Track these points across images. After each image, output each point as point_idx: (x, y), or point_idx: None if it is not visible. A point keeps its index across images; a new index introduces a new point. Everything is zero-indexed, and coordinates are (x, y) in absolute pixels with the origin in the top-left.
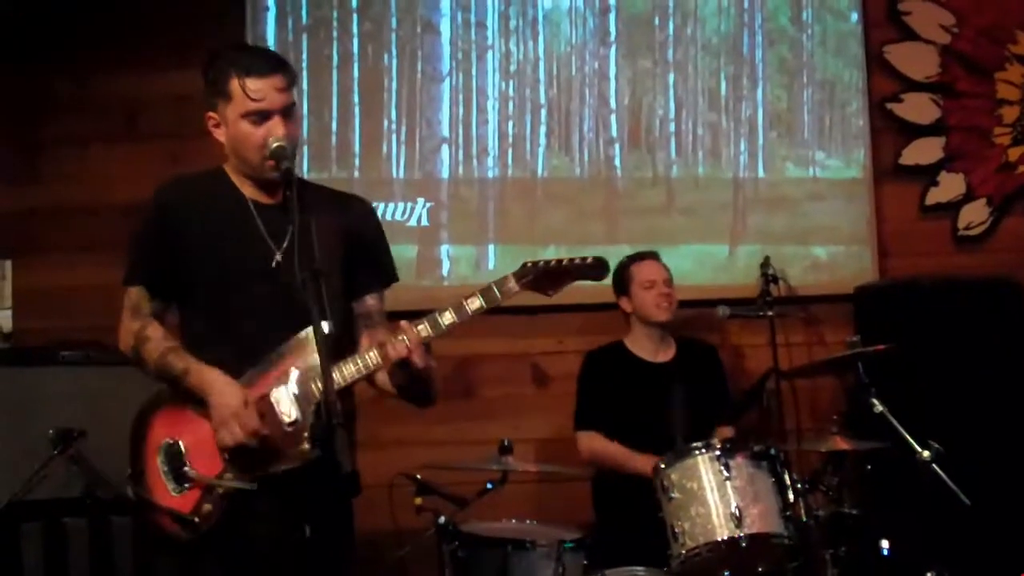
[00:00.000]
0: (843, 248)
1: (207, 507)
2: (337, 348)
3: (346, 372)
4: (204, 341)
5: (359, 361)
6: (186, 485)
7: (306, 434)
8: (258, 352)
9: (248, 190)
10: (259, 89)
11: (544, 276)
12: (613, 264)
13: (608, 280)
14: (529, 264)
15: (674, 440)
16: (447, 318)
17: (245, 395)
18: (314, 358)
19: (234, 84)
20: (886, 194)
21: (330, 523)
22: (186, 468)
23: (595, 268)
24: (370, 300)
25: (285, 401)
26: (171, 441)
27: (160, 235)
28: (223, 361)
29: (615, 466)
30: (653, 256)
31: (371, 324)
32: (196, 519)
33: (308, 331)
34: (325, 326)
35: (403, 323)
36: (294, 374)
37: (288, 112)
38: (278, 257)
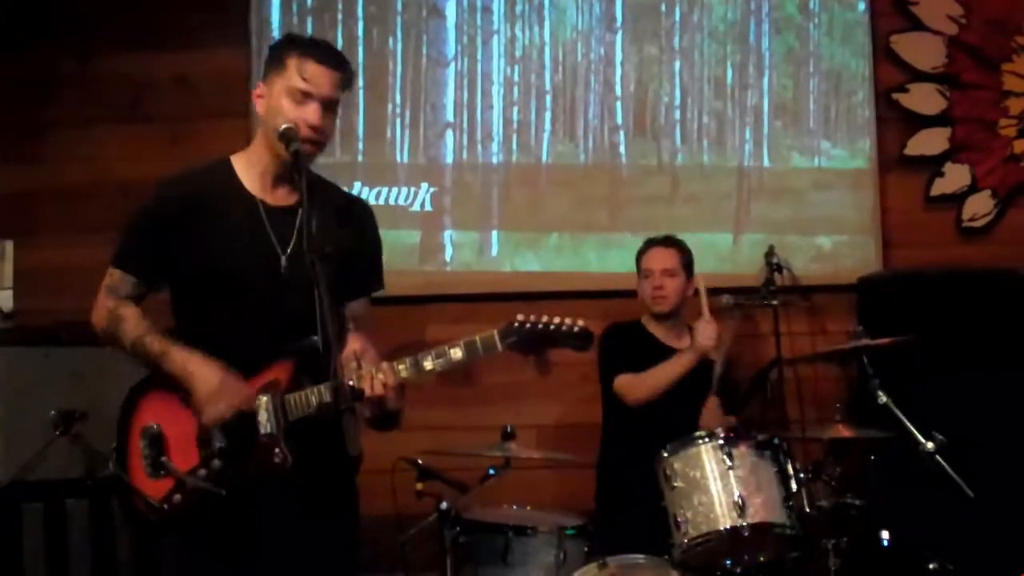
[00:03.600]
0: (847, 238)
1: (177, 497)
2: (326, 346)
3: (325, 395)
4: (196, 336)
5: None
6: (161, 472)
7: (277, 449)
8: (249, 357)
9: (256, 188)
10: (315, 74)
11: (528, 338)
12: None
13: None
14: (516, 323)
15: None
16: (428, 363)
17: (225, 374)
18: (299, 374)
19: (293, 59)
20: (891, 184)
21: (331, 510)
22: (163, 458)
23: (580, 338)
24: (357, 304)
25: (263, 411)
26: (155, 426)
27: (158, 230)
28: (211, 357)
29: (668, 379)
30: (661, 243)
31: (357, 327)
32: (165, 507)
33: (299, 344)
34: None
35: (384, 364)
36: (277, 387)
37: (330, 106)
38: (283, 261)
